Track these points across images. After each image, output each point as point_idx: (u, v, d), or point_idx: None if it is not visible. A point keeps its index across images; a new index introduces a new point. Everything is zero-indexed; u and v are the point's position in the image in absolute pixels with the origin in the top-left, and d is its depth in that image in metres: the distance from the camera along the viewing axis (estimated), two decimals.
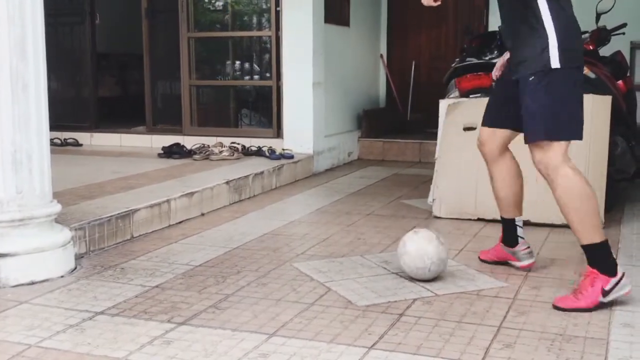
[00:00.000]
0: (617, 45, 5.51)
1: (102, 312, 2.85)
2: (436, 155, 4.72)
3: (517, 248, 3.39)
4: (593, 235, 2.90)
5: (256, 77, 7.24)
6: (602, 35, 5.13)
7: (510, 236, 3.41)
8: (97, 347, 2.50)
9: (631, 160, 4.74)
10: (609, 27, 5.22)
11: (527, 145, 3.03)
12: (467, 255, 3.68)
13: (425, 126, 7.55)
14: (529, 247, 3.40)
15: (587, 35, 5.21)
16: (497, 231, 4.19)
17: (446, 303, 2.95)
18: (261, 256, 3.68)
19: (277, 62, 6.70)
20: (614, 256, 2.99)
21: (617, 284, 2.86)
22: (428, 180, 4.95)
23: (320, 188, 5.83)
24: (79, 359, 2.41)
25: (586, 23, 5.50)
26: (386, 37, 8.36)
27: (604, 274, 2.86)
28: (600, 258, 2.90)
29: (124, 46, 8.84)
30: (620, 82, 5.07)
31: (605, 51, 5.27)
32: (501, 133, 3.30)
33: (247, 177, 5.35)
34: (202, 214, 4.70)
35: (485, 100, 3.53)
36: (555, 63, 2.87)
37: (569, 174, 2.90)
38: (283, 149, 6.34)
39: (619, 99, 4.74)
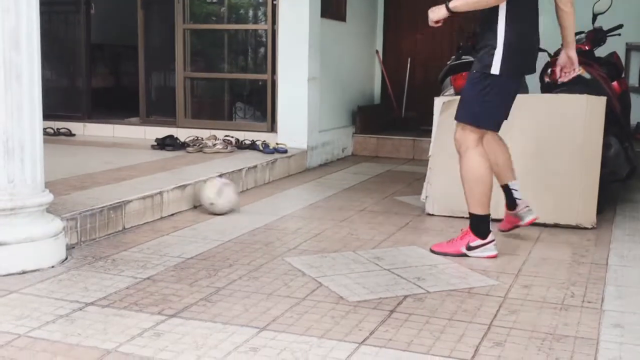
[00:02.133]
0: (612, 46, 5.52)
1: (92, 303, 2.84)
2: (430, 153, 4.72)
3: (517, 210, 3.82)
4: (477, 208, 3.55)
5: (251, 70, 7.22)
6: (598, 36, 5.15)
7: (509, 200, 3.84)
8: (87, 337, 2.49)
9: (624, 161, 4.75)
10: (605, 28, 5.23)
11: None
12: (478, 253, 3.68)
13: (419, 123, 7.56)
14: (528, 206, 3.83)
15: (583, 35, 5.22)
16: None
17: (437, 300, 2.95)
18: (253, 250, 3.68)
19: (272, 56, 6.68)
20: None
21: (482, 245, 3.56)
22: (421, 177, 4.95)
23: (314, 183, 5.83)
24: (68, 349, 2.40)
25: (582, 23, 5.53)
26: (382, 33, 8.36)
27: (475, 235, 3.57)
28: (478, 225, 3.57)
29: (119, 37, 8.80)
30: (615, 83, 5.09)
31: (601, 52, 5.28)
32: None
33: (240, 170, 5.34)
34: (195, 207, 4.69)
35: None
36: (495, 69, 3.41)
37: (474, 158, 3.51)
38: (277, 143, 6.33)
39: (613, 100, 4.75)
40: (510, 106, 3.59)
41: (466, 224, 3.66)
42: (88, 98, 7.77)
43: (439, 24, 3.56)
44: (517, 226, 3.92)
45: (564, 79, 3.70)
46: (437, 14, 3.50)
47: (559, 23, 3.58)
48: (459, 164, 3.59)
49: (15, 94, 3.21)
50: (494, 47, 3.40)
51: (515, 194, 3.81)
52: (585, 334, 2.61)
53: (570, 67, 3.69)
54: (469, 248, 3.57)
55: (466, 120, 3.53)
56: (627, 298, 3.03)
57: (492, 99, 3.47)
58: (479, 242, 3.57)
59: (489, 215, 3.58)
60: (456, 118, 3.60)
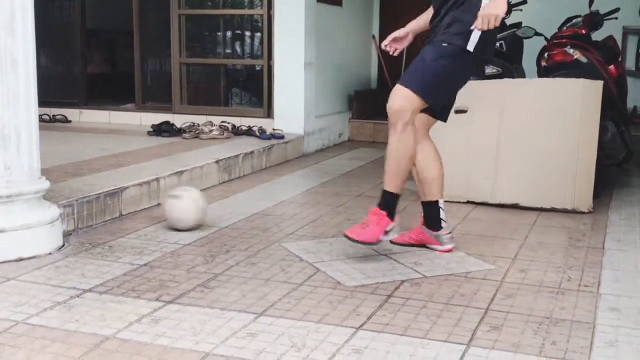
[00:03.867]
0: (609, 29, 5.51)
1: (90, 290, 2.85)
2: None
3: (440, 232, 3.43)
4: (393, 186, 3.25)
5: (247, 56, 7.20)
6: (595, 20, 5.14)
7: (433, 219, 3.44)
8: (85, 324, 2.50)
9: (621, 145, 4.76)
10: (601, 12, 5.22)
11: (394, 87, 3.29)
12: (456, 238, 3.68)
13: None
14: (451, 232, 3.48)
15: (579, 19, 5.21)
16: (486, 214, 4.22)
17: (434, 285, 2.96)
18: (250, 236, 3.68)
19: (268, 41, 6.66)
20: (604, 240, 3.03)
21: (392, 228, 3.25)
22: None
23: (311, 169, 5.82)
24: (66, 336, 2.40)
25: (579, 7, 5.52)
26: (379, 18, 8.32)
27: (389, 217, 3.24)
28: (391, 205, 3.25)
29: (114, 23, 8.76)
30: (611, 66, 5.08)
31: (597, 35, 5.27)
32: (429, 118, 3.43)
33: (237, 156, 5.33)
34: None
35: (476, 83, 3.55)
36: (470, 46, 3.15)
37: (410, 135, 3.21)
38: (273, 129, 6.32)
39: (610, 83, 4.75)
40: (459, 90, 3.35)
41: (462, 209, 3.65)
42: (84, 84, 7.74)
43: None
44: (424, 246, 3.47)
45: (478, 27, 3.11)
46: (502, 9, 3.05)
47: None
48: (389, 135, 3.27)
49: (11, 80, 3.19)
50: (470, 29, 3.12)
51: (442, 214, 3.43)
52: (581, 317, 2.62)
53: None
54: (386, 233, 3.23)
55: (413, 87, 3.17)
56: (623, 282, 3.04)
57: (452, 76, 3.23)
58: (392, 225, 3.25)
59: (399, 195, 3.27)
60: (402, 82, 3.24)
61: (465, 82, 3.35)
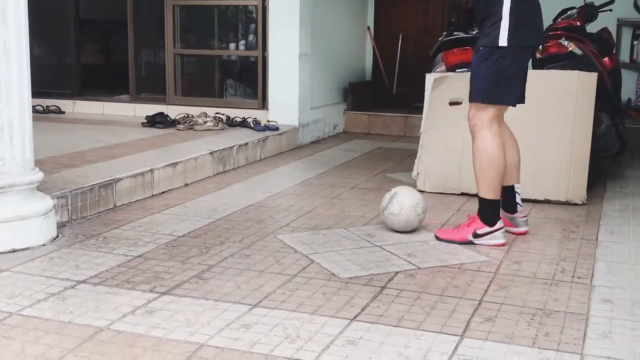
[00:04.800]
0: (604, 22, 5.51)
1: (84, 281, 2.84)
2: (421, 130, 4.72)
3: (516, 215, 3.60)
4: (488, 192, 3.37)
5: (242, 47, 7.17)
6: (590, 12, 5.14)
7: (509, 203, 3.59)
8: (79, 315, 2.50)
9: (615, 137, 4.77)
10: (596, 4, 5.21)
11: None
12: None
13: (411, 100, 7.53)
14: (526, 216, 3.64)
15: (574, 11, 5.21)
16: None
17: (428, 276, 2.97)
18: (245, 227, 3.68)
19: (263, 32, 6.64)
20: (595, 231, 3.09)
21: (490, 232, 3.37)
22: (413, 154, 4.95)
23: (305, 160, 5.82)
24: (60, 327, 2.40)
25: None
26: (374, 9, 8.30)
27: (483, 222, 3.38)
28: (486, 210, 3.39)
29: (108, 13, 8.71)
30: (606, 59, 5.08)
31: (592, 28, 5.27)
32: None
33: (231, 148, 5.32)
34: (186, 185, 4.68)
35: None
36: (502, 42, 3.24)
37: (487, 137, 3.33)
38: (268, 121, 6.31)
39: (604, 76, 4.75)
40: (525, 79, 3.42)
41: (456, 201, 3.66)
42: (77, 75, 7.70)
43: None
44: (507, 231, 3.57)
45: None
46: None
47: None
48: (474, 146, 3.39)
49: (4, 70, 3.17)
50: (500, 19, 3.23)
51: (518, 199, 3.60)
52: (575, 309, 2.63)
53: None
54: (476, 235, 3.37)
55: (476, 98, 3.35)
56: (616, 273, 3.05)
57: (501, 73, 3.29)
58: (487, 229, 3.37)
59: (499, 201, 3.40)
60: (470, 99, 3.40)
61: (522, 72, 3.39)
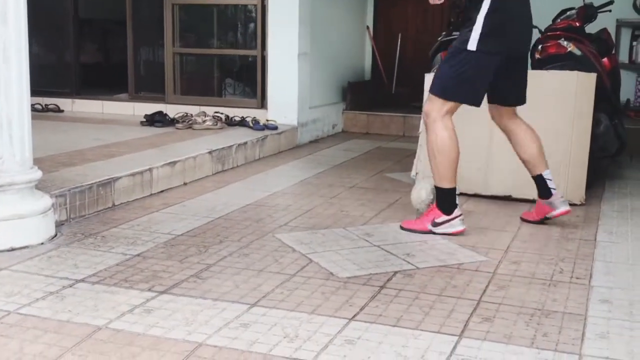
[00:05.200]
0: (603, 22, 5.51)
1: (82, 280, 2.84)
2: (420, 129, 4.71)
3: (552, 198, 3.72)
4: (442, 181, 3.50)
5: (241, 46, 7.17)
6: (589, 13, 5.13)
7: (544, 189, 3.73)
8: (77, 314, 2.49)
9: (614, 138, 4.77)
10: (595, 4, 5.22)
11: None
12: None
13: (410, 100, 7.54)
14: (562, 195, 3.79)
15: (573, 12, 5.21)
16: (478, 206, 4.23)
17: (427, 276, 2.97)
18: (243, 227, 3.68)
19: (262, 31, 6.64)
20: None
21: (447, 221, 3.50)
22: (411, 154, 4.96)
23: (304, 160, 5.82)
24: (58, 326, 2.40)
25: (573, 0, 5.52)
26: (373, 8, 8.30)
27: (440, 210, 3.51)
28: (444, 198, 3.52)
29: (107, 12, 8.70)
30: (605, 59, 5.08)
31: (591, 28, 5.27)
32: (500, 108, 3.74)
33: (230, 147, 5.32)
34: (185, 184, 4.68)
35: None
36: (471, 46, 3.37)
37: (438, 129, 3.46)
38: (267, 120, 6.31)
39: (603, 76, 4.75)
40: (486, 83, 3.50)
41: (460, 202, 3.65)
42: (76, 74, 7.70)
43: (440, 1, 3.55)
44: (547, 218, 3.76)
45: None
46: None
47: None
48: (428, 137, 3.54)
49: (3, 69, 3.17)
50: (474, 23, 3.37)
51: (550, 184, 3.71)
52: (573, 309, 2.63)
53: None
54: (435, 224, 3.52)
55: (435, 92, 3.49)
56: (615, 274, 3.05)
57: (463, 73, 3.42)
58: (444, 217, 3.51)
59: (454, 189, 3.53)
60: (429, 90, 3.57)
61: (488, 74, 3.47)
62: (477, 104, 3.53)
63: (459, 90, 3.47)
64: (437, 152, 3.47)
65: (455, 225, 3.52)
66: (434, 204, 3.58)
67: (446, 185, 3.50)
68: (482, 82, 3.49)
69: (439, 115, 3.46)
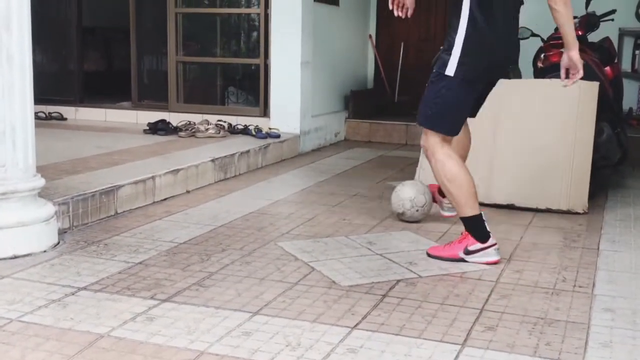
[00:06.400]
0: (605, 31, 5.52)
1: (84, 288, 2.84)
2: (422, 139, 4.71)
3: (445, 198, 3.85)
4: (464, 210, 3.27)
5: (244, 55, 7.18)
6: (591, 21, 5.14)
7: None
8: (80, 322, 2.49)
9: (616, 146, 4.76)
10: (598, 13, 5.22)
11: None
12: (451, 238, 3.69)
13: (412, 108, 7.49)
14: (450, 202, 3.62)
15: (576, 21, 5.20)
16: None
17: (429, 285, 2.96)
18: (246, 235, 3.67)
19: (265, 40, 6.65)
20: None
21: (482, 249, 3.26)
22: (414, 162, 4.96)
23: (306, 168, 5.82)
24: (60, 334, 2.40)
25: (576, 8, 5.52)
26: (375, 17, 8.32)
27: (474, 238, 3.27)
28: (472, 227, 3.28)
29: (111, 20, 8.74)
30: (607, 68, 5.09)
31: (594, 37, 5.27)
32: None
33: (232, 155, 5.32)
34: (187, 192, 4.69)
35: None
36: (449, 71, 3.15)
37: (441, 159, 3.26)
38: (269, 128, 6.32)
39: (606, 85, 4.75)
40: (468, 112, 3.34)
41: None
42: (80, 82, 7.72)
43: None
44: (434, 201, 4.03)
45: (569, 83, 3.33)
46: (579, 61, 3.27)
47: (555, 23, 3.26)
48: (434, 170, 3.34)
49: (6, 76, 3.18)
50: (452, 47, 3.13)
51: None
52: (576, 318, 2.63)
53: (574, 69, 3.29)
54: (467, 252, 3.26)
55: (422, 123, 3.31)
56: (618, 283, 3.04)
57: (444, 102, 3.20)
58: (478, 245, 3.25)
59: (480, 215, 3.27)
60: (418, 121, 3.38)
61: (469, 104, 3.30)
62: (455, 134, 3.33)
63: (443, 120, 3.26)
64: (448, 182, 3.25)
65: (490, 255, 3.26)
66: (468, 233, 3.29)
67: (469, 213, 3.25)
68: (462, 112, 3.32)
69: (437, 146, 3.26)
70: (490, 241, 3.27)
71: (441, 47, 3.29)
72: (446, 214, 3.99)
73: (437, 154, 3.27)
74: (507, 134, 4.42)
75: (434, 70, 3.25)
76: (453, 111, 3.27)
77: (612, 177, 5.35)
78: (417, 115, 3.37)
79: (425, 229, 3.87)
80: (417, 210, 3.95)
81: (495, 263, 3.25)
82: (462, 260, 3.26)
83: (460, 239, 3.32)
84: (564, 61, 3.34)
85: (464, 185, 3.25)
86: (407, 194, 3.96)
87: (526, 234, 3.81)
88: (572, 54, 3.28)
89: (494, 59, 3.22)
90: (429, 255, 3.35)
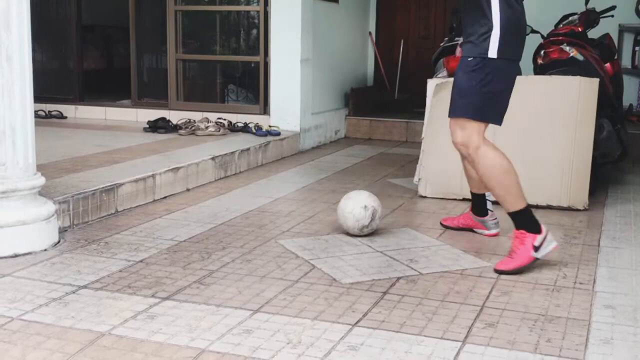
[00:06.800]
0: (605, 27, 5.51)
1: (85, 286, 2.84)
2: (423, 135, 4.72)
3: (486, 218, 3.68)
4: (517, 203, 3.14)
5: (243, 52, 7.18)
6: (591, 18, 5.14)
7: (480, 208, 3.67)
8: (80, 320, 2.49)
9: (616, 143, 4.76)
10: (598, 10, 5.22)
11: (449, 118, 3.25)
12: (452, 235, 3.70)
13: (412, 105, 7.55)
14: (496, 218, 3.68)
15: (576, 17, 5.21)
16: None
17: (430, 282, 2.96)
18: (246, 233, 3.68)
19: (265, 37, 6.65)
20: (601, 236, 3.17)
21: (544, 239, 3.11)
22: (414, 159, 4.96)
23: (307, 166, 5.82)
24: (61, 332, 2.40)
25: (576, 5, 5.52)
26: (375, 14, 8.31)
27: (531, 233, 3.11)
28: (526, 220, 3.14)
29: (110, 18, 8.73)
30: (607, 64, 5.08)
31: (594, 33, 5.27)
32: None
33: (233, 153, 5.32)
34: (188, 190, 4.69)
35: None
36: (492, 53, 3.06)
37: (488, 153, 3.14)
38: (270, 126, 6.31)
39: (606, 81, 4.75)
40: (509, 93, 3.22)
41: (458, 207, 3.66)
42: (79, 80, 7.72)
43: None
44: (473, 230, 3.70)
45: None
46: None
47: None
48: (474, 168, 3.24)
49: (6, 75, 3.18)
50: (490, 29, 3.05)
51: (489, 205, 3.65)
52: (577, 315, 2.63)
53: None
54: (537, 249, 3.08)
55: (468, 115, 3.13)
56: (618, 279, 3.04)
57: (494, 88, 3.10)
58: (540, 237, 3.10)
59: (528, 205, 3.16)
60: (453, 114, 3.19)
61: (510, 87, 3.20)
62: (501, 122, 3.23)
63: (492, 109, 3.15)
64: (505, 174, 3.10)
65: (551, 242, 3.13)
66: (521, 230, 3.12)
67: (522, 204, 3.13)
68: (507, 95, 3.19)
69: (480, 140, 3.13)
70: (544, 227, 3.14)
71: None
72: (492, 232, 3.67)
73: (481, 147, 3.13)
74: (506, 130, 4.41)
75: (471, 59, 3.10)
76: (502, 96, 3.15)
77: (613, 173, 5.36)
78: (452, 110, 3.19)
79: (425, 227, 3.87)
80: (364, 229, 3.61)
81: (556, 248, 3.17)
82: (536, 259, 3.10)
83: (521, 241, 3.11)
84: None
85: (515, 175, 3.14)
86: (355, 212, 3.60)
87: None
88: None
89: (523, 38, 3.20)
90: (499, 272, 3.08)
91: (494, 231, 3.68)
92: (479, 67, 3.09)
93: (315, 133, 6.81)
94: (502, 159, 3.14)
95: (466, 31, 3.19)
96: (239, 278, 2.97)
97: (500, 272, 3.07)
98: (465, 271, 3.12)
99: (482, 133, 3.16)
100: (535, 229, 3.11)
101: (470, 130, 3.14)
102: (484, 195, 3.63)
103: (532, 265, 3.09)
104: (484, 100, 3.11)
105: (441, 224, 3.84)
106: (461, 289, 2.89)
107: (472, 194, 3.69)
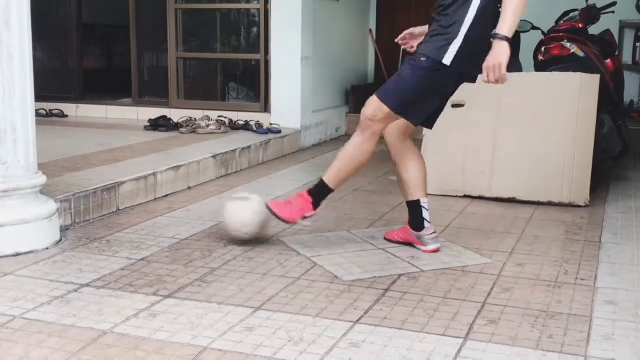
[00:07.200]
0: (606, 24, 5.51)
1: (87, 285, 2.84)
2: (423, 133, 4.72)
3: (422, 232, 3.33)
4: (335, 183, 3.28)
5: (244, 50, 7.17)
6: (592, 14, 5.14)
7: (415, 219, 3.35)
8: (82, 319, 2.50)
9: (617, 139, 4.76)
10: (598, 6, 5.22)
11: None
12: (453, 232, 3.70)
13: None
14: (435, 232, 3.36)
15: (576, 13, 5.21)
16: (483, 208, 4.23)
17: (431, 279, 2.97)
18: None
19: (265, 35, 6.64)
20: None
21: (311, 217, 3.28)
22: None
23: (308, 163, 5.82)
24: (63, 330, 2.40)
25: (576, 1, 5.52)
26: (375, 12, 8.31)
27: (312, 206, 3.28)
28: (320, 195, 3.30)
29: (111, 17, 8.73)
30: (608, 60, 5.08)
31: (594, 30, 5.27)
32: (400, 121, 3.30)
33: (234, 151, 5.32)
34: (189, 188, 4.69)
35: None
36: (447, 59, 3.01)
37: (369, 143, 3.21)
38: (270, 124, 6.31)
39: (607, 78, 4.75)
40: (442, 107, 3.23)
41: (459, 203, 3.65)
42: (80, 79, 7.72)
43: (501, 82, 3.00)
44: (412, 245, 3.38)
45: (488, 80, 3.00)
46: (505, 56, 2.92)
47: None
48: (355, 138, 3.24)
49: (7, 74, 3.18)
50: (454, 36, 2.99)
51: (425, 214, 3.32)
52: (578, 311, 2.63)
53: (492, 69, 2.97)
54: (304, 219, 3.28)
55: (390, 105, 3.12)
56: (620, 275, 3.04)
57: (429, 90, 3.10)
58: (310, 214, 3.28)
59: (333, 191, 3.31)
60: (379, 95, 3.16)
61: (444, 95, 3.19)
62: (418, 123, 3.29)
63: (420, 109, 3.16)
64: (355, 161, 3.23)
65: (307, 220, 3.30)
66: (309, 197, 3.28)
67: (334, 187, 3.29)
68: (441, 105, 3.21)
69: (381, 128, 3.20)
70: (319, 209, 3.30)
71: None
72: (430, 248, 3.33)
73: (375, 136, 3.22)
74: (508, 127, 4.42)
75: (422, 56, 3.07)
76: (430, 99, 3.14)
77: (614, 170, 5.35)
78: (382, 92, 3.17)
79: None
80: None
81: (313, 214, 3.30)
82: (295, 223, 3.30)
83: (302, 205, 3.28)
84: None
85: (357, 169, 3.27)
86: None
87: (528, 228, 3.81)
88: (496, 46, 2.94)
89: (478, 59, 3.03)
90: (268, 208, 3.33)
91: (431, 247, 3.32)
92: (425, 66, 3.05)
93: (316, 130, 6.81)
94: (367, 157, 3.23)
95: (436, 25, 3.12)
96: (240, 276, 2.97)
97: (269, 209, 3.31)
98: (467, 268, 3.12)
99: (389, 122, 3.22)
100: (316, 206, 3.28)
101: (382, 116, 3.17)
102: (419, 204, 3.32)
103: (292, 224, 3.32)
104: (414, 99, 3.12)
105: (385, 237, 3.53)
106: (463, 285, 2.89)
107: (407, 203, 3.40)
